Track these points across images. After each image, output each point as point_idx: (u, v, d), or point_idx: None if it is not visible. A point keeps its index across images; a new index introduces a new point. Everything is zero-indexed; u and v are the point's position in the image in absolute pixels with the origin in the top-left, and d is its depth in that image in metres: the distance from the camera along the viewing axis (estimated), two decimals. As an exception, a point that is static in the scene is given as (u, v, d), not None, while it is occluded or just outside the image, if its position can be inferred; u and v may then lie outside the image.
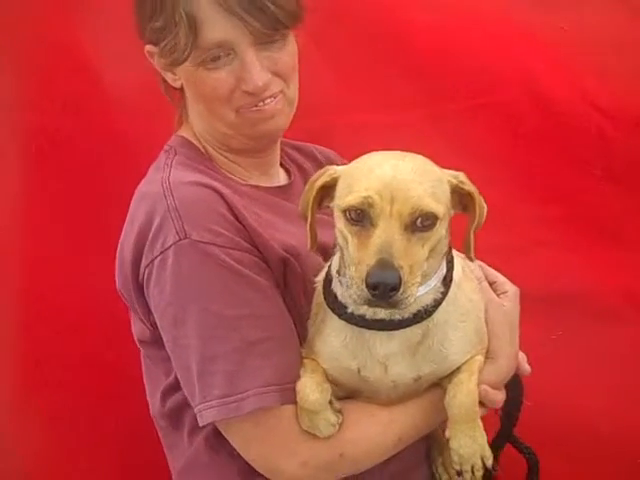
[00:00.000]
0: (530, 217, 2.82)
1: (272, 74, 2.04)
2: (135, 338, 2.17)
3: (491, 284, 2.05)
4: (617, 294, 2.79)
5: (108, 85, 2.69)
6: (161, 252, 1.92)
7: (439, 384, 1.94)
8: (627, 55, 2.73)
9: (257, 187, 2.16)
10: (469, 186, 1.81)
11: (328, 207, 1.88)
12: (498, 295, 2.04)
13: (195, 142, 2.17)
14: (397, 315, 1.85)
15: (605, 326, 2.78)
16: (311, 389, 1.87)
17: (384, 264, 1.65)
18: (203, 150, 2.17)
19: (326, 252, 2.08)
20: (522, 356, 2.09)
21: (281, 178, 2.29)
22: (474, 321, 1.94)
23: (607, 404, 2.73)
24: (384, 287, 1.65)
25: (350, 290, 1.72)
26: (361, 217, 1.73)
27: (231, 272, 1.91)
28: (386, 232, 1.69)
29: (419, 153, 1.86)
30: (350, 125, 2.73)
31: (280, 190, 2.22)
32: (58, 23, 2.64)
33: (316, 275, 2.04)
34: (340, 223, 1.79)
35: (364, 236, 1.72)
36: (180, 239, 1.90)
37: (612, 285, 2.79)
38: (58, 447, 2.76)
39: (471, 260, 1.88)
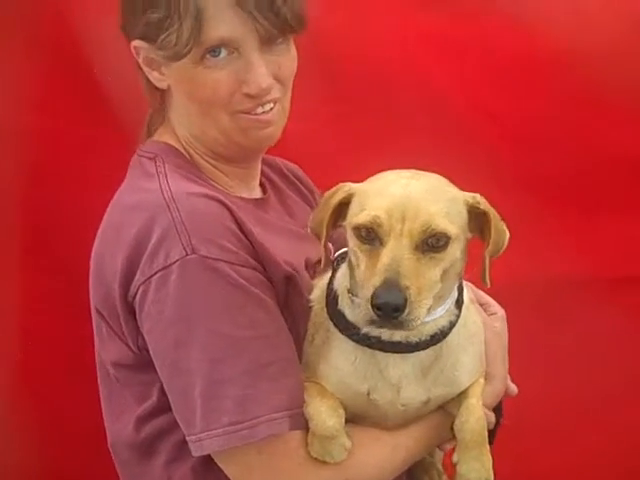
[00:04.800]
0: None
1: (274, 79, 1.95)
2: (106, 360, 1.99)
3: (480, 305, 2.06)
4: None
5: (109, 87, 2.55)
6: (163, 268, 1.78)
7: (442, 407, 1.92)
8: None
9: (241, 198, 2.05)
10: (485, 206, 1.79)
11: (341, 226, 1.83)
12: (488, 316, 2.05)
13: (179, 148, 2.03)
14: (414, 337, 1.81)
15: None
16: (327, 414, 1.80)
17: (390, 284, 1.62)
18: (188, 157, 2.03)
19: (309, 269, 2.03)
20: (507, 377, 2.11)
21: (257, 193, 2.18)
22: (480, 344, 1.95)
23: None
24: (388, 307, 1.62)
25: (357, 309, 1.70)
26: (371, 236, 1.70)
27: (240, 290, 1.80)
28: (394, 251, 1.66)
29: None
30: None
31: (259, 203, 2.12)
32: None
33: (309, 293, 1.97)
34: (352, 242, 1.75)
35: (373, 255, 1.69)
36: (187, 254, 1.77)
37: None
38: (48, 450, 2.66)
39: (486, 285, 1.86)
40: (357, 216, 1.72)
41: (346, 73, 2.78)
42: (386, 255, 1.66)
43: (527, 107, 2.82)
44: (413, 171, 1.79)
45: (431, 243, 1.68)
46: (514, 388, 2.11)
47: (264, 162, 2.26)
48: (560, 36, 2.76)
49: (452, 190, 1.78)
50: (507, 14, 2.78)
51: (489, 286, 1.87)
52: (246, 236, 1.85)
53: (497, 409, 2.08)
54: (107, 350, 1.98)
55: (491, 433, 2.10)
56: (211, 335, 1.77)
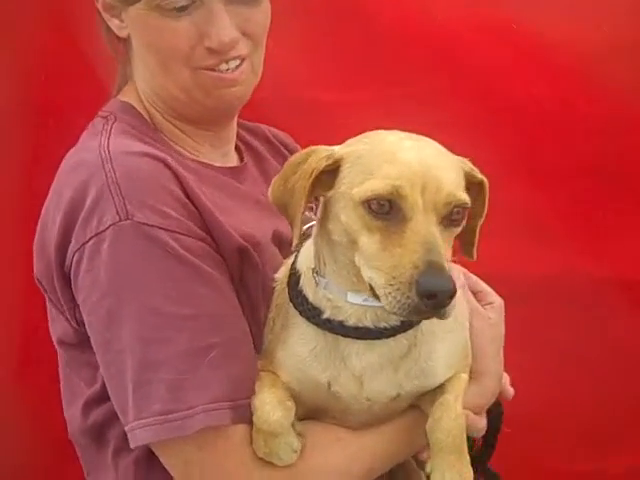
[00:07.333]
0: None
1: (241, 33, 1.75)
2: (54, 339, 1.83)
3: (475, 293, 1.79)
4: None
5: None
6: (96, 234, 1.60)
7: (416, 405, 1.67)
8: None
9: (206, 165, 1.85)
10: (480, 175, 1.56)
11: (320, 196, 1.56)
12: (482, 306, 1.78)
13: (139, 107, 1.85)
14: (383, 323, 1.57)
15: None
16: (272, 407, 1.57)
17: (436, 267, 1.36)
18: (148, 117, 1.85)
19: (281, 244, 1.81)
20: (505, 377, 1.83)
21: (233, 160, 1.98)
22: (461, 332, 1.68)
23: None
24: (444, 295, 1.36)
25: (389, 298, 1.40)
26: (387, 209, 1.42)
27: (180, 262, 1.60)
28: (425, 227, 1.40)
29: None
30: (308, 101, 2.52)
31: (232, 171, 1.91)
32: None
33: (274, 271, 1.74)
34: (351, 216, 1.46)
35: (393, 232, 1.42)
36: (120, 220, 1.58)
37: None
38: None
39: (473, 258, 1.63)
40: (365, 185, 1.44)
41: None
42: (419, 233, 1.40)
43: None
44: (404, 132, 1.54)
45: (453, 217, 1.45)
46: (510, 390, 1.83)
47: (245, 128, 2.07)
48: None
49: (452, 155, 1.53)
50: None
51: (475, 259, 1.64)
52: (192, 202, 1.65)
53: (496, 415, 1.82)
54: (53, 327, 1.81)
55: (491, 440, 1.85)
56: (144, 311, 1.57)
